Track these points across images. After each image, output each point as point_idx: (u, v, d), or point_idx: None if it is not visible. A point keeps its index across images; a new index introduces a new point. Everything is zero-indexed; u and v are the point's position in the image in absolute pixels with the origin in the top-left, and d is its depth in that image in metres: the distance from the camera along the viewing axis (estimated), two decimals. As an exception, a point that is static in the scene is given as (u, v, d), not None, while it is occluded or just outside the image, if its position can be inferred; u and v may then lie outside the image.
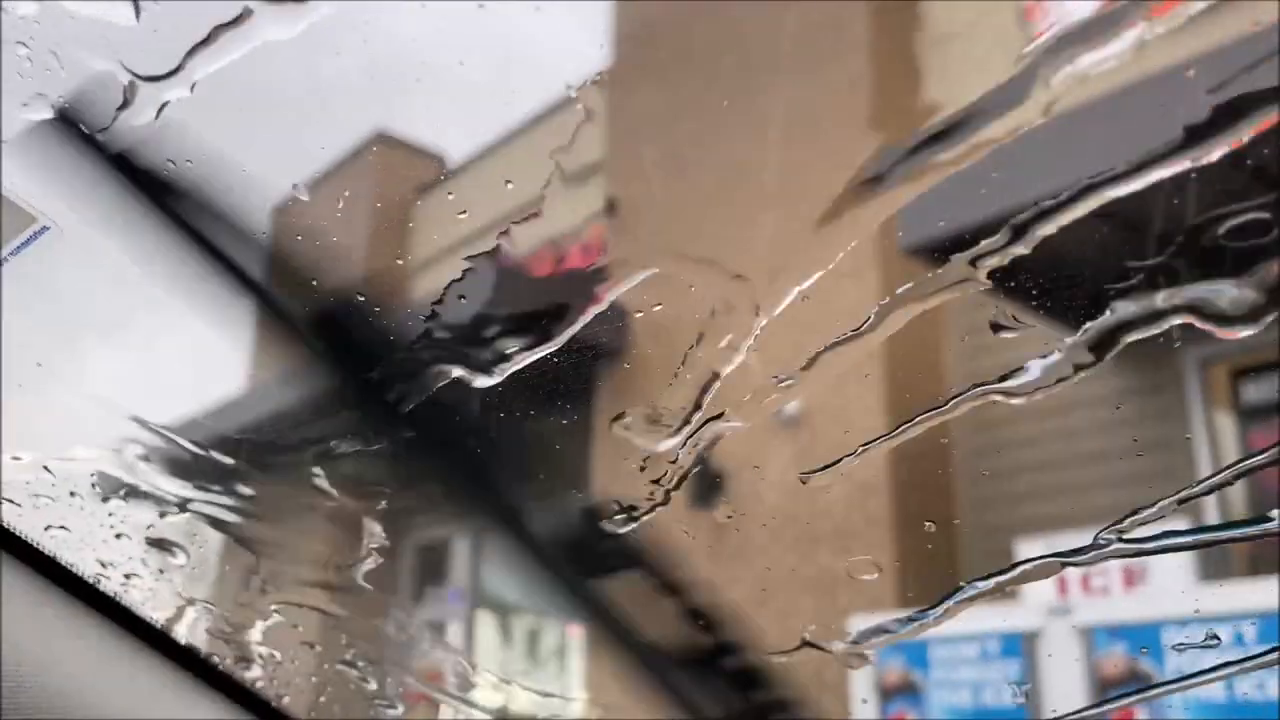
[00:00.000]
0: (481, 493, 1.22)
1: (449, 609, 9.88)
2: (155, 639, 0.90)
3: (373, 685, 1.65)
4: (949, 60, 6.73)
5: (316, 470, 1.48)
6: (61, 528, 1.27)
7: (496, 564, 9.04)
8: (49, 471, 1.46)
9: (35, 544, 0.86)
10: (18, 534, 0.85)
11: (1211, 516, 5.21)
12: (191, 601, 1.40)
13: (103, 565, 1.26)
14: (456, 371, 1.19)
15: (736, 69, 7.08)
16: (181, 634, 0.94)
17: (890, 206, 1.18)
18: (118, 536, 1.50)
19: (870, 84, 6.61)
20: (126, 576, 1.34)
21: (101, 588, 0.89)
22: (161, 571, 1.51)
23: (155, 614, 0.99)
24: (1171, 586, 4.11)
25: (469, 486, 1.23)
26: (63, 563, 0.87)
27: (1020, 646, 4.33)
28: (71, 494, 1.49)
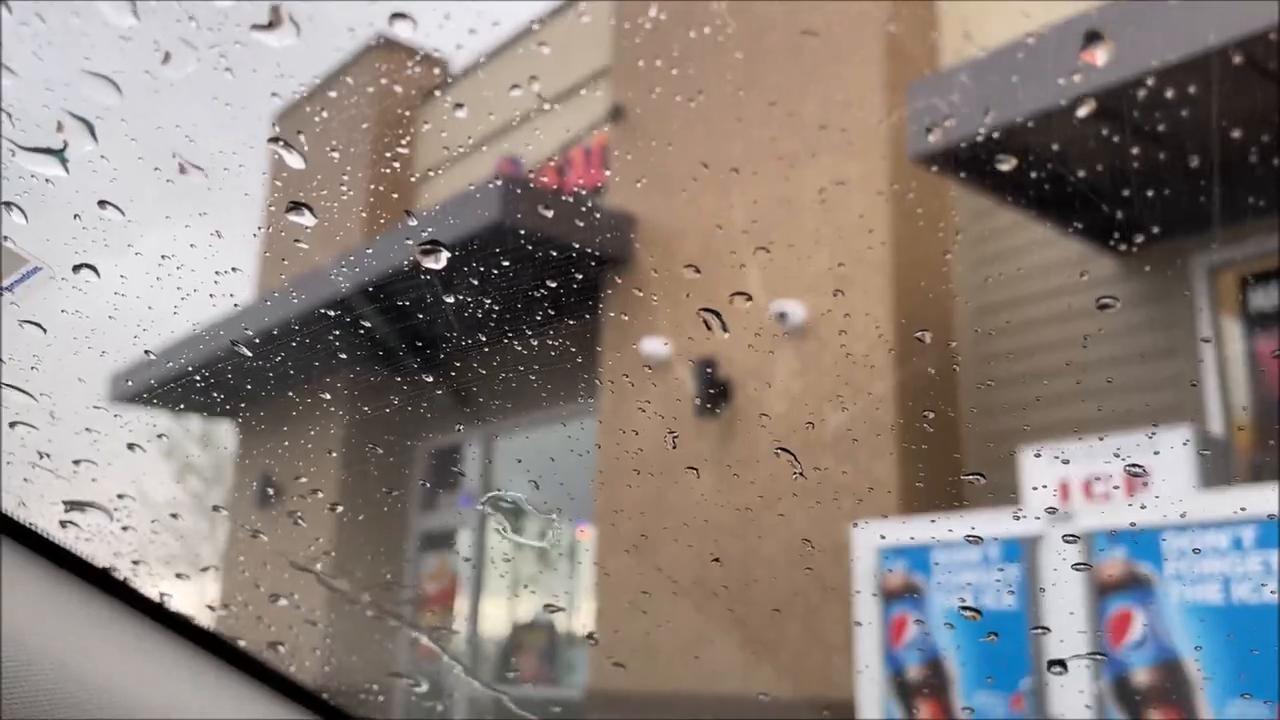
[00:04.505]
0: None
1: (460, 514, 10.02)
2: (179, 626, 0.87)
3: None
4: None
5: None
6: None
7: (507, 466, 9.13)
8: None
9: (49, 535, 0.83)
10: (31, 526, 0.82)
11: (1217, 425, 5.21)
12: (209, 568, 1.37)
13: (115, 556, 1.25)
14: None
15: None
16: (205, 618, 0.91)
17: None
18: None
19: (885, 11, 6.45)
20: (135, 563, 1.32)
21: (121, 578, 0.86)
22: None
23: (171, 591, 0.97)
24: (1173, 493, 4.16)
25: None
26: (79, 554, 0.84)
27: (1020, 551, 4.39)
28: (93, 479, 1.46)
